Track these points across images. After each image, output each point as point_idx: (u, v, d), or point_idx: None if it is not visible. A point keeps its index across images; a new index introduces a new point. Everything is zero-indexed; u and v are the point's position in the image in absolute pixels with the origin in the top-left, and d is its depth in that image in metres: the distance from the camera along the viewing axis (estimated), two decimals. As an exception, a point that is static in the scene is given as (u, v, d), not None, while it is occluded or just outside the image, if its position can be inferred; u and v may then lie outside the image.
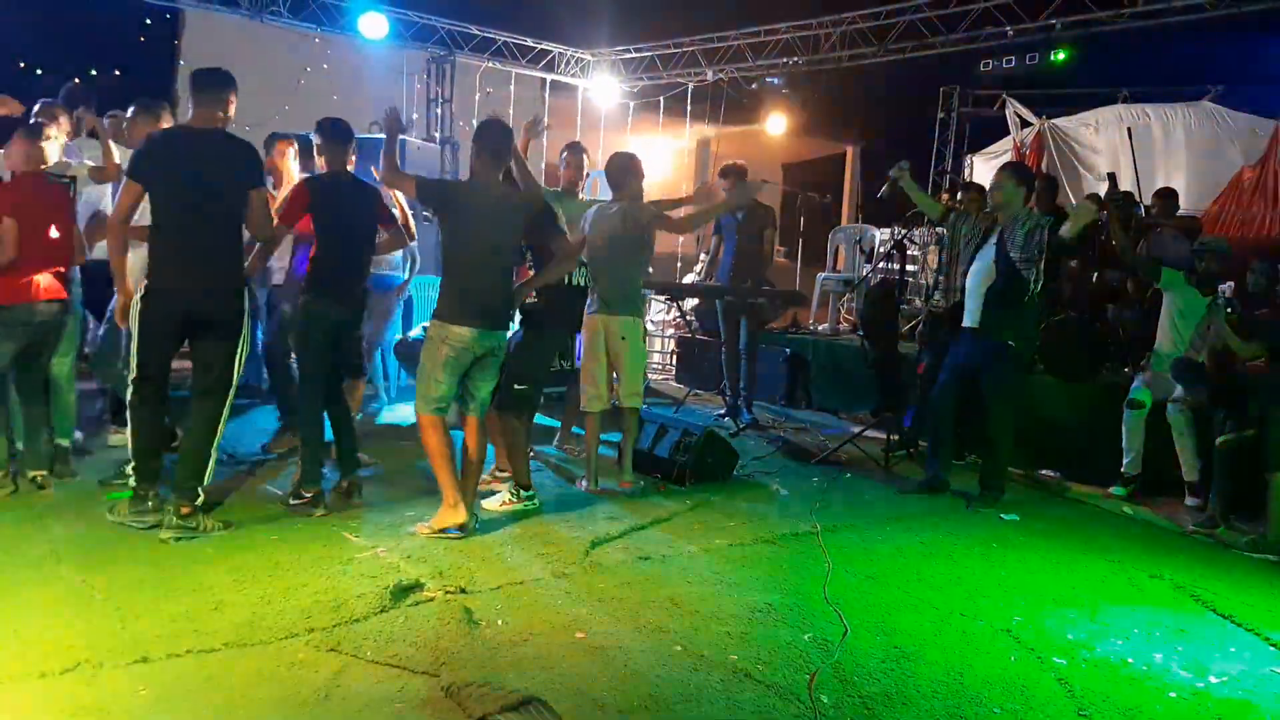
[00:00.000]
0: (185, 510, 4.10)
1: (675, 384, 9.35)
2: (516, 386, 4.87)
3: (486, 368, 4.44)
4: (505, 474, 5.10)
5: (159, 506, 4.15)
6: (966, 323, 5.47)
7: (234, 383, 4.28)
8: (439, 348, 4.29)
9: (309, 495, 4.56)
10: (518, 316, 4.87)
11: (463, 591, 3.65)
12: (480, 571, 3.89)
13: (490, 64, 12.24)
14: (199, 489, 4.17)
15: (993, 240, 5.38)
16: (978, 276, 5.44)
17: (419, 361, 4.43)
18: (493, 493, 4.95)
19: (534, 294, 4.81)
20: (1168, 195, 8.14)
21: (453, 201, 4.42)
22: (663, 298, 8.93)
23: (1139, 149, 8.96)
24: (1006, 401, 5.44)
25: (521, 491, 4.89)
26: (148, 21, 10.35)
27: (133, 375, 4.14)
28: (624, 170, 5.33)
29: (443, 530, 4.32)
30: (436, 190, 4.60)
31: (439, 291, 4.42)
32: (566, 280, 5.07)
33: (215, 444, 4.25)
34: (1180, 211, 8.18)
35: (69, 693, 2.75)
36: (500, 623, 3.39)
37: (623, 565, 4.11)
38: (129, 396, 4.17)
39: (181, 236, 4.10)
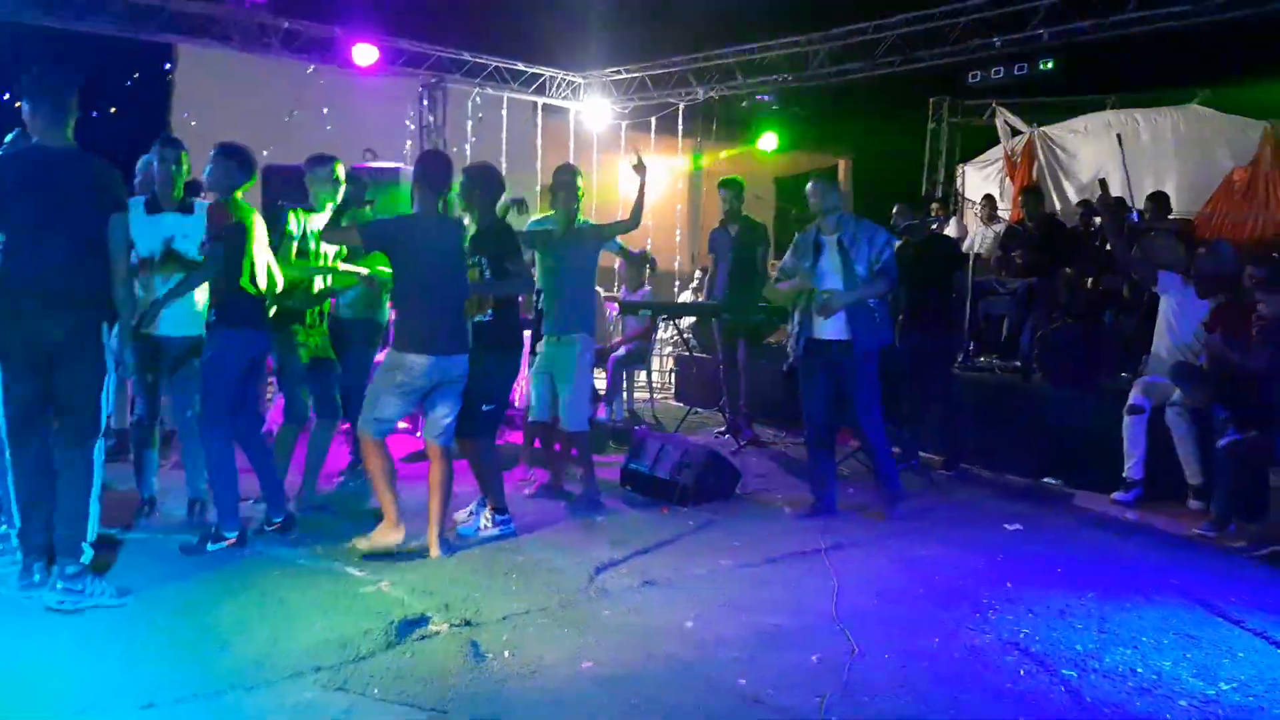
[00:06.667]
0: (71, 571, 3.67)
1: (675, 403, 9.34)
2: (485, 407, 4.81)
3: (446, 395, 4.46)
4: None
5: (45, 580, 3.74)
6: (830, 335, 5.31)
7: (103, 423, 3.84)
8: (393, 374, 4.35)
9: (232, 538, 4.40)
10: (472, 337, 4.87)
11: (468, 624, 3.64)
12: (485, 602, 3.88)
13: (483, 89, 12.29)
14: (84, 545, 3.72)
15: (834, 251, 5.26)
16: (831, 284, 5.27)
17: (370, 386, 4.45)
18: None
19: (490, 312, 4.79)
20: (1159, 199, 8.20)
21: (398, 240, 4.44)
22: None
23: (1129, 154, 9.01)
24: (875, 404, 5.39)
25: (496, 515, 4.82)
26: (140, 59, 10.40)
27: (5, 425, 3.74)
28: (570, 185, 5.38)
29: (380, 547, 4.32)
30: (379, 233, 4.56)
31: (395, 323, 4.49)
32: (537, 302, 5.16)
33: (95, 495, 3.79)
34: (1172, 215, 8.24)
35: (77, 741, 2.74)
36: (507, 655, 3.38)
37: (628, 591, 4.10)
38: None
39: (25, 256, 3.71)
